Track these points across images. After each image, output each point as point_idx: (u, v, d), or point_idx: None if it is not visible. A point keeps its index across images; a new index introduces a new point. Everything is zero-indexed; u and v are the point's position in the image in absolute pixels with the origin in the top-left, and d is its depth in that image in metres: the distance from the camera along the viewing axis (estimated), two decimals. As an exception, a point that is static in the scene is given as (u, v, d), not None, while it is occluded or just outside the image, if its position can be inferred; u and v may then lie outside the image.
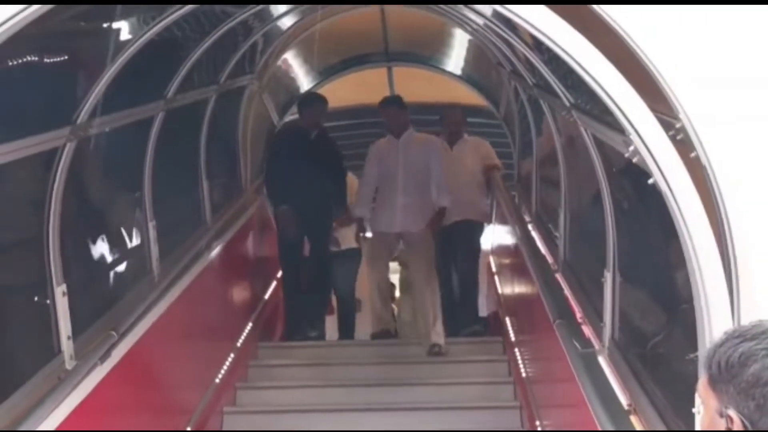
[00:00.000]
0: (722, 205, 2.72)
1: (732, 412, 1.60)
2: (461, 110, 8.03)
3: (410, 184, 7.10)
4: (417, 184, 7.14)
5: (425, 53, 8.64)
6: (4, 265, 3.98)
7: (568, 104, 4.03)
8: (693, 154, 2.74)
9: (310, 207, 7.26)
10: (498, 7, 2.92)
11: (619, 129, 2.93)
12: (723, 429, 1.61)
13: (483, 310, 8.42)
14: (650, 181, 2.73)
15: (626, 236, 3.96)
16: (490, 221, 8.22)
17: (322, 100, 7.64)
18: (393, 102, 7.33)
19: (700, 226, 2.62)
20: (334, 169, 7.46)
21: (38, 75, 3.62)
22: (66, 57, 3.84)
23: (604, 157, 3.92)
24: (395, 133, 7.20)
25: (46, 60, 3.61)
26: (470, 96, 8.75)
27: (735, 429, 1.60)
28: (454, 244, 7.92)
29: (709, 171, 2.73)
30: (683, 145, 2.75)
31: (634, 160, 2.81)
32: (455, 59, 8.60)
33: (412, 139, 7.21)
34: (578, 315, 4.61)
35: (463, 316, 7.87)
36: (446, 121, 7.88)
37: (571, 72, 3.81)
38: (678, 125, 2.77)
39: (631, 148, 2.74)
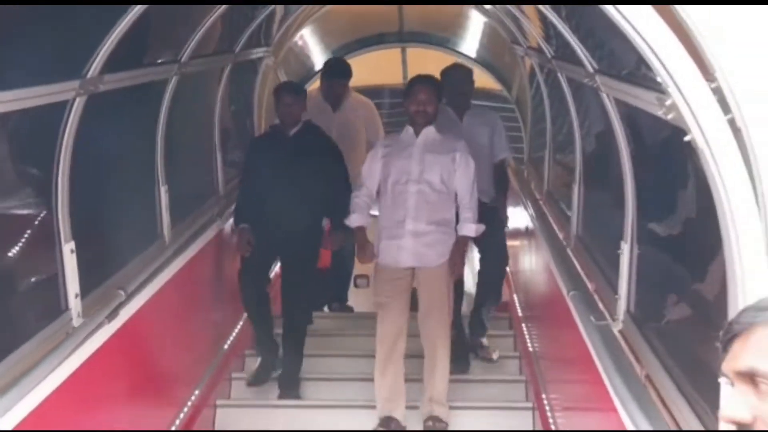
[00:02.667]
0: (758, 172, 2.51)
1: None
2: (468, 72, 6.50)
3: (426, 202, 5.28)
4: (436, 203, 5.30)
5: (440, 35, 8.49)
6: (13, 222, 3.84)
7: (592, 70, 3.90)
8: (730, 116, 2.51)
9: (286, 223, 5.60)
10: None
11: (650, 87, 2.78)
12: None
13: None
14: (686, 138, 2.53)
15: (645, 207, 3.82)
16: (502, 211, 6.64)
17: (346, 70, 6.86)
18: (427, 80, 5.40)
19: (741, 186, 2.42)
20: (325, 171, 5.69)
21: (49, 21, 3.40)
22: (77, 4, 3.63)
23: (627, 123, 3.79)
24: (417, 126, 5.33)
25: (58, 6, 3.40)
26: (483, 79, 8.55)
27: None
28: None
29: (745, 135, 2.52)
30: (722, 105, 2.52)
31: (669, 117, 2.61)
32: (470, 41, 8.46)
33: (434, 138, 5.35)
34: (591, 288, 4.49)
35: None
36: (451, 82, 6.19)
37: (596, 37, 3.70)
38: (713, 85, 2.54)
39: (669, 102, 2.55)
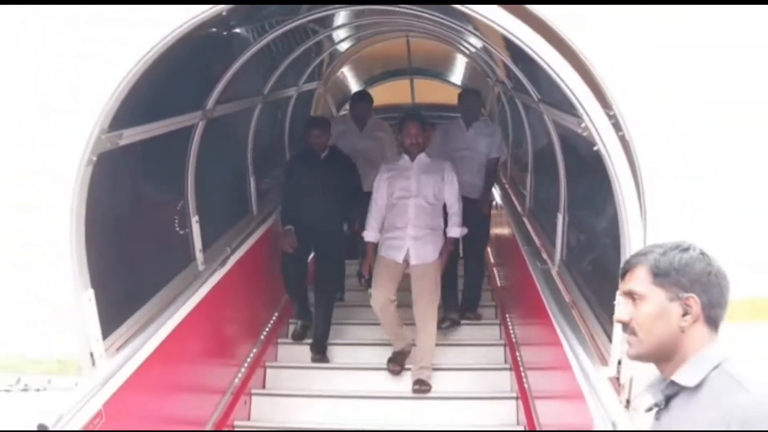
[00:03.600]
0: (638, 167, 2.71)
1: (690, 295, 1.60)
2: (476, 93, 6.21)
3: (423, 212, 4.91)
4: (430, 212, 4.94)
5: (437, 69, 8.57)
6: (165, 205, 3.99)
7: (536, 99, 3.97)
8: (621, 133, 2.72)
9: (319, 226, 5.27)
10: (492, 22, 2.84)
11: (573, 113, 2.91)
12: (677, 312, 1.60)
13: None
14: (595, 148, 2.72)
15: (572, 190, 3.92)
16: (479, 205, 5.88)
17: (368, 98, 6.48)
18: (416, 118, 5.05)
19: (627, 179, 2.63)
20: (348, 186, 5.37)
21: (184, 71, 3.47)
22: (206, 57, 3.77)
23: (560, 135, 3.87)
24: (411, 154, 4.94)
25: (192, 58, 3.41)
26: None
27: (694, 307, 1.59)
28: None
29: (631, 145, 2.72)
30: (616, 126, 2.72)
31: (584, 134, 2.78)
32: (457, 73, 8.53)
33: (426, 162, 4.97)
34: (538, 243, 4.56)
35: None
36: (463, 103, 5.98)
37: (538, 77, 3.78)
38: (611, 113, 2.74)
39: (583, 125, 2.72)
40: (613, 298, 2.35)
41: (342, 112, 8.28)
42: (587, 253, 3.68)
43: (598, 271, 3.41)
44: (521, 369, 4.72)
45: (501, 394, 4.76)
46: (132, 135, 3.03)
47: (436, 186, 4.92)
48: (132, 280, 3.40)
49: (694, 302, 1.60)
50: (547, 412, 3.91)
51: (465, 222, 5.07)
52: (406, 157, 5.00)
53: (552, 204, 4.17)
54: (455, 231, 5.00)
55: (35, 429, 2.35)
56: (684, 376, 1.58)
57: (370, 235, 4.98)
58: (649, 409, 1.65)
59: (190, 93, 3.83)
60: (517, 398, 4.63)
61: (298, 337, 5.50)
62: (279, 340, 5.48)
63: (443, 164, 5.02)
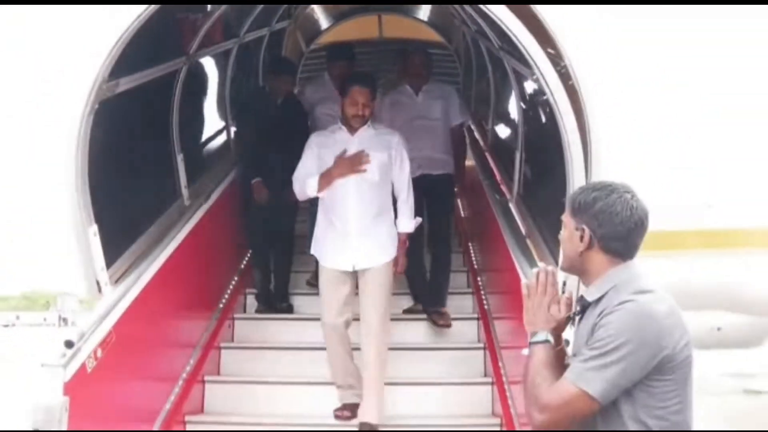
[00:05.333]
0: (586, 112, 3.03)
1: (584, 226, 1.98)
2: (424, 52, 5.26)
3: (368, 196, 3.95)
4: (377, 195, 3.98)
5: (405, 6, 8.64)
6: (153, 143, 4.17)
7: (497, 46, 4.16)
8: (570, 82, 3.03)
9: (279, 179, 4.59)
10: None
11: (527, 65, 3.18)
12: (577, 238, 1.98)
13: None
14: (544, 98, 3.06)
15: (528, 131, 4.22)
16: (456, 181, 5.26)
17: (350, 54, 5.32)
18: (366, 81, 4.02)
19: (571, 123, 2.97)
20: (306, 133, 4.45)
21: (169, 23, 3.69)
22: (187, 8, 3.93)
23: (518, 81, 4.13)
24: (352, 128, 4.00)
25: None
26: (431, 34, 8.76)
27: (585, 236, 1.97)
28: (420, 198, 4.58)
29: (580, 92, 3.03)
30: (566, 76, 3.04)
31: (536, 85, 3.11)
32: (424, 10, 8.64)
33: (369, 135, 4.02)
34: (498, 178, 4.85)
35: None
36: (408, 66, 5.07)
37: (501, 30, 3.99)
38: (563, 63, 3.04)
39: (535, 76, 3.03)
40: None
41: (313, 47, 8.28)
42: (541, 188, 4.02)
43: (548, 204, 3.72)
44: (482, 292, 5.12)
45: (465, 316, 5.03)
46: (127, 82, 3.27)
47: (382, 167, 3.97)
48: (126, 217, 3.63)
49: (585, 233, 1.98)
50: (504, 332, 4.30)
51: (430, 201, 4.67)
52: (343, 129, 4.03)
53: (510, 142, 4.54)
54: (406, 224, 4.08)
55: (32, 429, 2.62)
56: (589, 292, 1.99)
57: (309, 187, 3.97)
58: (572, 319, 2.06)
59: (174, 42, 4.03)
60: (478, 319, 4.97)
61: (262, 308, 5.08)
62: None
63: (391, 138, 4.08)
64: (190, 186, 4.40)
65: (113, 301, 3.18)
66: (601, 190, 2.00)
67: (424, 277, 4.93)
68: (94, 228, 3.13)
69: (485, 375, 4.48)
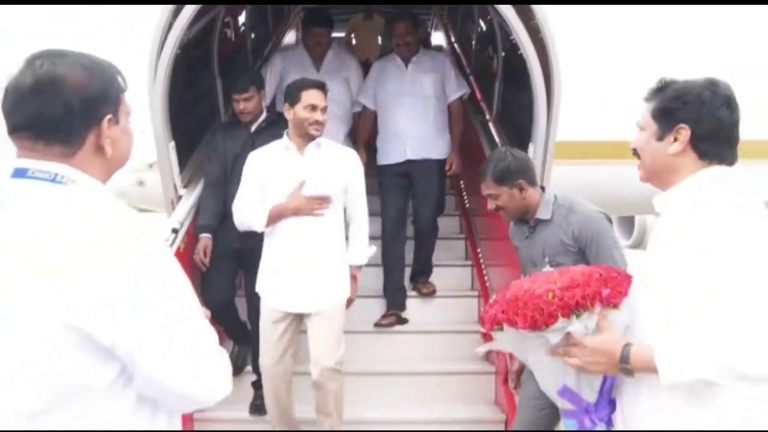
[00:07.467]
0: (553, 62, 3.68)
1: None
2: (411, 18, 4.58)
3: (315, 236, 3.30)
4: (326, 234, 3.33)
5: None
6: (200, 81, 4.49)
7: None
8: (540, 35, 3.68)
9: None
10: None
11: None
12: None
13: None
14: (520, 52, 3.76)
15: (506, 68, 4.78)
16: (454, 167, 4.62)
17: (327, 19, 4.59)
18: (320, 86, 3.40)
19: (537, 69, 3.69)
20: None
21: None
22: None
23: (502, 34, 4.64)
24: (301, 141, 3.33)
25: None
26: None
27: (522, 184, 2.79)
28: (407, 190, 4.49)
29: (548, 42, 3.67)
30: (537, 29, 3.69)
31: (512, 36, 3.79)
32: None
33: (325, 157, 3.36)
34: (479, 98, 5.31)
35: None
36: (395, 36, 4.55)
37: None
38: (534, 19, 3.69)
39: (511, 29, 3.73)
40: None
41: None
42: (512, 110, 4.54)
43: (516, 123, 4.33)
44: (464, 198, 5.67)
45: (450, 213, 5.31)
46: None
47: (338, 196, 3.35)
48: (185, 137, 4.09)
49: (523, 183, 2.81)
50: (483, 225, 4.84)
51: (416, 190, 4.32)
52: (292, 149, 3.33)
53: (489, 72, 5.08)
54: (357, 256, 3.41)
55: None
56: (540, 213, 2.81)
57: (257, 220, 3.32)
58: (526, 237, 2.87)
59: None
60: (465, 239, 5.25)
61: (238, 369, 3.95)
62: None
63: (349, 161, 3.43)
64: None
65: (191, 204, 3.97)
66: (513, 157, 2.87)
67: (401, 275, 4.46)
68: (173, 143, 3.82)
69: (472, 289, 4.80)
